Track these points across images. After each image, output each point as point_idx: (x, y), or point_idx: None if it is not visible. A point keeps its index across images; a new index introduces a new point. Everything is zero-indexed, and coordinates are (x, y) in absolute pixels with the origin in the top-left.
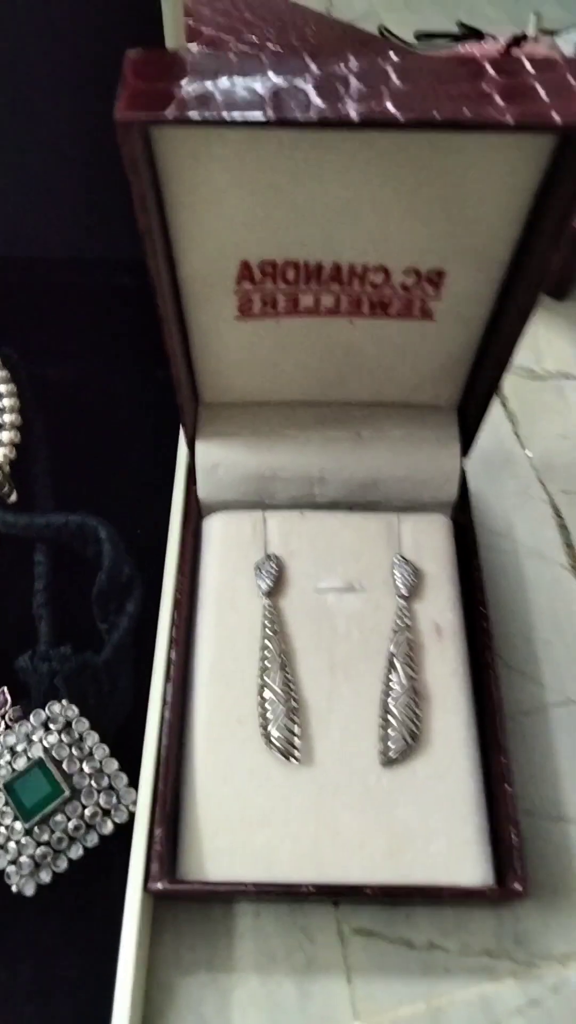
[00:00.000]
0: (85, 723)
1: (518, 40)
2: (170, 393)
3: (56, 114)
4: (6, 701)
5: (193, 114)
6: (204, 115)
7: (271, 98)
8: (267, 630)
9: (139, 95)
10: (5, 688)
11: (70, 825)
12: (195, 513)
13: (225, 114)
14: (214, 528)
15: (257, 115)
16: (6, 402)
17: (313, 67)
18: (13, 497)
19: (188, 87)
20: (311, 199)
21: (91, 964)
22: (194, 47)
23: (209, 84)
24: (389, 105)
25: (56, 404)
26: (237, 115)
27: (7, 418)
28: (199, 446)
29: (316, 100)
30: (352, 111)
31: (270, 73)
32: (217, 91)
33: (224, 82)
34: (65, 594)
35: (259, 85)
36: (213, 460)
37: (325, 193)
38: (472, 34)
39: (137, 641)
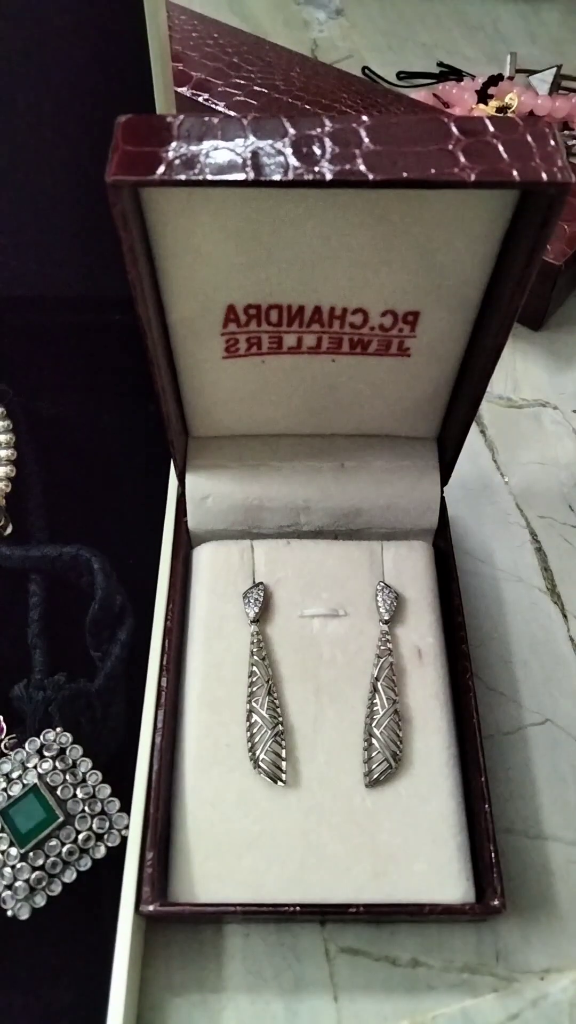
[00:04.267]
0: (79, 750)
1: (495, 80)
2: (160, 427)
3: (52, 158)
4: (1, 729)
5: (179, 176)
6: (189, 176)
7: (251, 159)
8: (254, 656)
9: (129, 158)
10: (0, 716)
11: (64, 850)
12: (185, 543)
13: (209, 175)
14: (203, 557)
15: (238, 176)
16: (1, 437)
17: (291, 129)
18: (8, 530)
19: (174, 150)
20: (291, 248)
21: (84, 985)
22: (184, 90)
23: (194, 147)
24: (361, 165)
25: (49, 438)
26: (219, 176)
27: (2, 452)
28: (189, 478)
29: (293, 160)
30: (327, 171)
31: (251, 136)
32: (201, 154)
33: (207, 145)
34: (59, 624)
35: (240, 147)
36: (203, 492)
37: (304, 242)
38: (451, 74)
39: (129, 669)
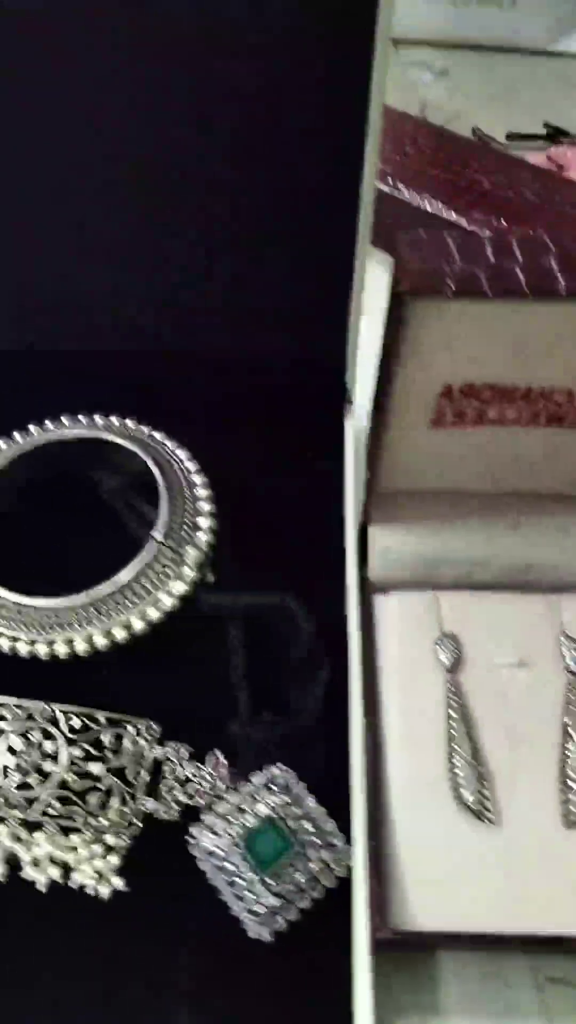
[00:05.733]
0: (303, 785)
1: None
2: (330, 481)
3: (243, 226)
4: (223, 764)
5: (464, 289)
6: (472, 289)
7: (524, 275)
8: (452, 702)
9: (415, 273)
10: (219, 752)
11: (299, 878)
12: (368, 592)
13: (488, 290)
14: (391, 607)
15: (513, 289)
16: (202, 491)
17: (553, 247)
18: (211, 578)
19: (455, 266)
20: (520, 338)
21: (324, 1004)
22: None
23: (471, 263)
24: None
25: (232, 494)
26: (501, 291)
27: (205, 506)
28: (373, 531)
29: (561, 280)
30: None
31: (518, 254)
32: (478, 270)
33: (482, 261)
34: (259, 667)
35: (512, 263)
36: (385, 544)
37: (532, 333)
38: (559, 134)
39: (327, 711)
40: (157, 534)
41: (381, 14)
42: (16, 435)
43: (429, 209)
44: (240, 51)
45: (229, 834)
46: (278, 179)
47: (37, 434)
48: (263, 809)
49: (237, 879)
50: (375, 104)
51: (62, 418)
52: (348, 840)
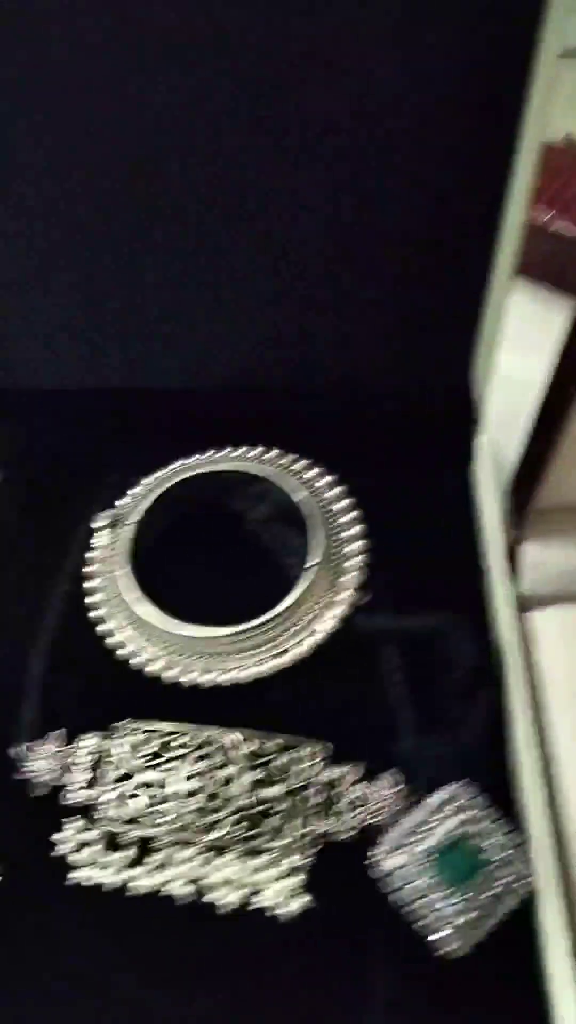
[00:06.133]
0: (483, 801)
1: None
2: (463, 501)
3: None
4: (398, 783)
5: None
6: None
7: None
8: None
9: None
10: (392, 771)
11: (488, 894)
12: (519, 607)
13: None
14: (551, 621)
15: None
16: (349, 516)
17: None
18: (364, 600)
19: None
20: None
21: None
22: None
23: None
24: None
25: (372, 517)
26: None
27: (354, 530)
28: (526, 547)
29: None
30: None
31: None
32: None
33: None
34: (420, 685)
35: None
36: (538, 559)
37: None
38: None
39: (491, 728)
40: (314, 560)
41: (550, 20)
42: (161, 471)
43: None
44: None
45: (416, 852)
46: (417, 197)
47: (184, 468)
48: (451, 826)
49: (426, 897)
50: (533, 127)
51: (209, 453)
52: (529, 856)
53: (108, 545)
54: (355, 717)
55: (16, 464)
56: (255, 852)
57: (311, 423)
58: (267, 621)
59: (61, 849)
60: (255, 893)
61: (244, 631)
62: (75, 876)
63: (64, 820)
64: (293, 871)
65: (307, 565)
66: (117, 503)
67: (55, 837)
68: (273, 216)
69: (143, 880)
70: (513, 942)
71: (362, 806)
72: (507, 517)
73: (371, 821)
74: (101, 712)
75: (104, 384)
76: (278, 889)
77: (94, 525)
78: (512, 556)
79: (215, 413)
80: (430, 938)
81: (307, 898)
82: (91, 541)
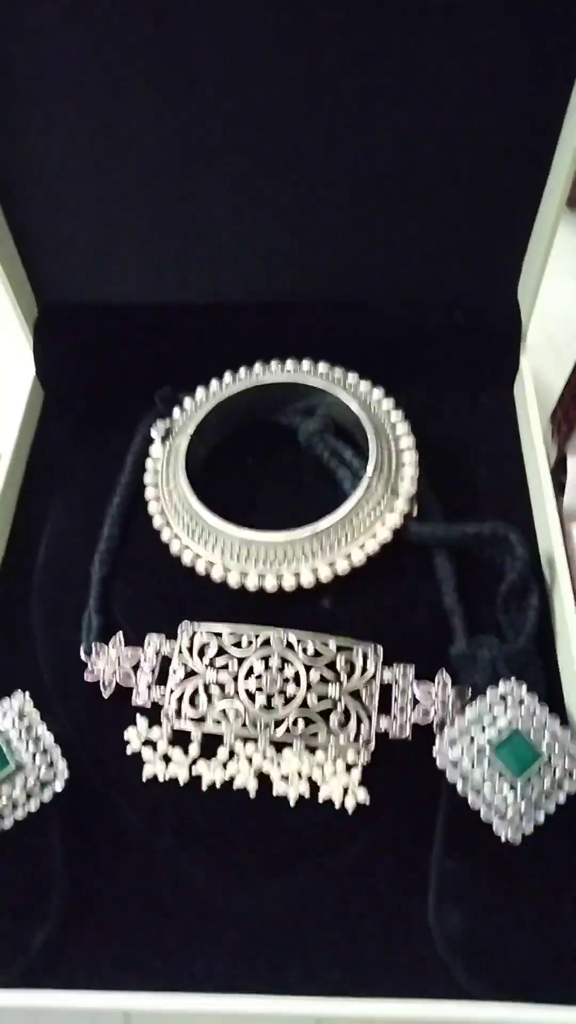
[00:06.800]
0: (535, 697)
1: None
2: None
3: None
4: (451, 683)
5: None
6: None
7: None
8: None
9: None
10: (444, 671)
11: (545, 784)
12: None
13: None
14: None
15: None
16: (402, 428)
17: None
18: (415, 511)
19: None
20: None
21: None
22: None
23: None
24: None
25: (421, 431)
26: None
27: (407, 442)
28: (571, 462)
29: None
30: None
31: None
32: None
33: None
34: (470, 592)
35: None
36: None
37: None
38: None
39: (540, 633)
40: (369, 470)
41: None
42: (215, 383)
43: None
44: None
45: (475, 746)
46: (476, 124)
47: (238, 381)
48: (508, 719)
49: (487, 787)
50: None
51: (259, 366)
52: None
53: (164, 456)
54: (408, 621)
55: (71, 378)
56: (315, 749)
57: (360, 338)
58: (324, 529)
59: (132, 747)
60: (316, 787)
61: (302, 537)
62: (146, 772)
63: (134, 719)
64: (352, 766)
65: (363, 475)
66: (172, 416)
67: (126, 735)
68: (344, 140)
69: (209, 775)
70: (571, 827)
71: (417, 704)
72: (552, 435)
73: (425, 720)
74: (163, 617)
75: (156, 300)
76: (339, 783)
77: (150, 435)
78: (556, 471)
79: (267, 328)
80: (492, 827)
81: (366, 791)
82: (147, 452)
